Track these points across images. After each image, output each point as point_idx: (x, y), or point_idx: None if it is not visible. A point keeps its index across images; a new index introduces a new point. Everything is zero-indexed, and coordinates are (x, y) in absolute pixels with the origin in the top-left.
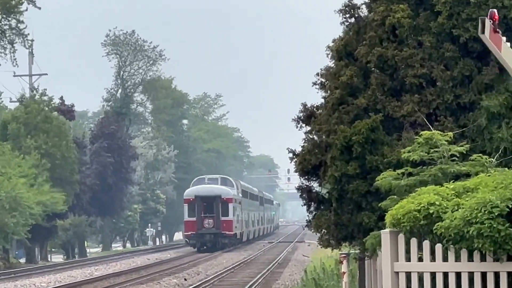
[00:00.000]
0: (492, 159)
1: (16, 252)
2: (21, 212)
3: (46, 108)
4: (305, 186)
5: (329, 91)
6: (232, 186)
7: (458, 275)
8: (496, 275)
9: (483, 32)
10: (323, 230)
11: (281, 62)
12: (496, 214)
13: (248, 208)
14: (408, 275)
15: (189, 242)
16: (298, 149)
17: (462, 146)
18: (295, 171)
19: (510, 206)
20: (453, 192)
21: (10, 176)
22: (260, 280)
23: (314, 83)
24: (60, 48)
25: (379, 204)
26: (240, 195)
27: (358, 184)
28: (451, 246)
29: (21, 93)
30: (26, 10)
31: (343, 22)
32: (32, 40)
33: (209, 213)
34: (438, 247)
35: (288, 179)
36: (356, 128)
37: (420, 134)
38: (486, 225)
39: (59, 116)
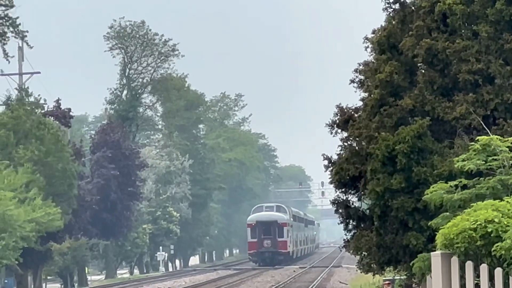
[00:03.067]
0: None
1: (6, 281)
2: (10, 233)
3: (38, 111)
4: (342, 200)
5: (368, 91)
6: (285, 212)
7: None
8: None
9: None
10: (364, 252)
11: (312, 58)
12: None
13: (297, 230)
14: None
15: (251, 259)
16: (334, 158)
17: None
18: (331, 182)
19: None
20: None
21: None
22: None
23: (352, 81)
24: (55, 42)
25: (429, 223)
26: (292, 219)
27: (404, 200)
28: None
29: (6, 95)
30: None
31: (385, 8)
32: (26, 32)
33: (268, 235)
34: (498, 271)
35: (322, 193)
36: (400, 135)
37: (476, 139)
38: None
39: (54, 122)
